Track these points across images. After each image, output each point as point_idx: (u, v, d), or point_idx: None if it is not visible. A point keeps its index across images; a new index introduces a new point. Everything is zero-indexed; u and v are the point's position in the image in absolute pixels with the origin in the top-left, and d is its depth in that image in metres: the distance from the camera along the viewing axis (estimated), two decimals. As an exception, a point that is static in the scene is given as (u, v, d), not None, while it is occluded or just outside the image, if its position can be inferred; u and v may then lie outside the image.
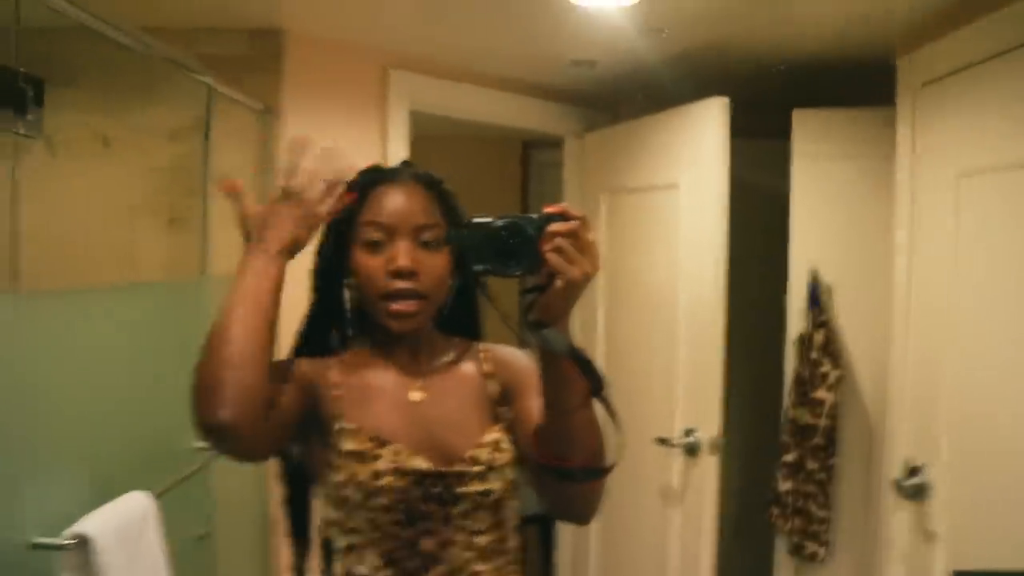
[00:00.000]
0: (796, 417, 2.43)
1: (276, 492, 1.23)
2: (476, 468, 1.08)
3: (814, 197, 2.49)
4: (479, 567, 1.09)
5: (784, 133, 2.50)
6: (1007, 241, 1.74)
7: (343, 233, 1.12)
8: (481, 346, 1.21)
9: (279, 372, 1.05)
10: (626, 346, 2.85)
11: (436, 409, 1.13)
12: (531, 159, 4.05)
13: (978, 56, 1.81)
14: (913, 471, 1.99)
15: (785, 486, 2.45)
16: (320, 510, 1.14)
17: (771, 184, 2.63)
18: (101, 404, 1.50)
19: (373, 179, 1.14)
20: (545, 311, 0.93)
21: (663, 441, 2.51)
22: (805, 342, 2.43)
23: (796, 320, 2.49)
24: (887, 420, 2.19)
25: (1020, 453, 1.65)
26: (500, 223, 0.94)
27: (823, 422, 2.37)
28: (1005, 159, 1.74)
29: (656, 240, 2.69)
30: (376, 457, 1.06)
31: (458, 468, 1.08)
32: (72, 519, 1.30)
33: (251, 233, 1.02)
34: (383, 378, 1.14)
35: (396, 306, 1.09)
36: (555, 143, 3.17)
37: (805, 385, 2.42)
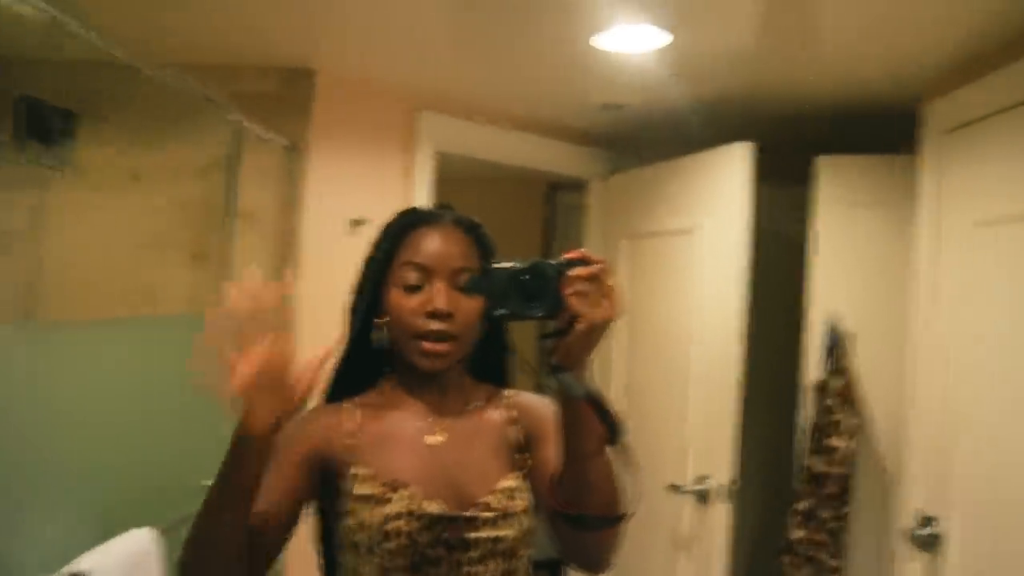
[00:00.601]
0: (811, 465, 2.40)
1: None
2: (488, 514, 1.07)
3: (836, 243, 2.47)
4: None
5: (802, 178, 2.49)
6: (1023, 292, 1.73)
7: (381, 273, 1.12)
8: (507, 392, 1.21)
9: (279, 475, 1.03)
10: (642, 390, 2.84)
11: (455, 453, 1.12)
12: (556, 200, 4.03)
13: (1000, 104, 1.81)
14: (927, 521, 1.97)
15: (797, 534, 2.41)
16: (338, 556, 1.12)
17: (788, 229, 2.63)
18: (110, 438, 1.49)
19: (413, 221, 1.14)
20: (565, 355, 0.92)
21: (675, 488, 2.50)
22: (822, 389, 2.40)
23: (812, 367, 2.46)
24: (902, 469, 2.15)
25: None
26: (521, 266, 0.93)
27: (837, 470, 2.35)
28: (1022, 209, 1.74)
29: (675, 284, 2.69)
30: (387, 500, 1.05)
31: (470, 513, 1.07)
32: (73, 555, 1.28)
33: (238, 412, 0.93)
34: (404, 420, 1.14)
35: (429, 346, 1.09)
36: (580, 185, 3.17)
37: (820, 432, 2.39)
